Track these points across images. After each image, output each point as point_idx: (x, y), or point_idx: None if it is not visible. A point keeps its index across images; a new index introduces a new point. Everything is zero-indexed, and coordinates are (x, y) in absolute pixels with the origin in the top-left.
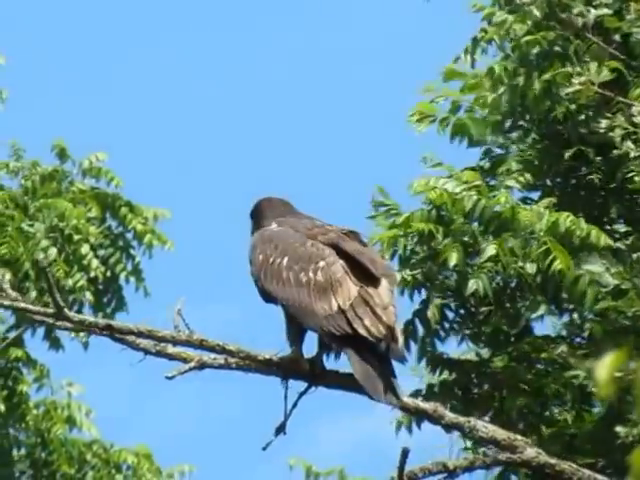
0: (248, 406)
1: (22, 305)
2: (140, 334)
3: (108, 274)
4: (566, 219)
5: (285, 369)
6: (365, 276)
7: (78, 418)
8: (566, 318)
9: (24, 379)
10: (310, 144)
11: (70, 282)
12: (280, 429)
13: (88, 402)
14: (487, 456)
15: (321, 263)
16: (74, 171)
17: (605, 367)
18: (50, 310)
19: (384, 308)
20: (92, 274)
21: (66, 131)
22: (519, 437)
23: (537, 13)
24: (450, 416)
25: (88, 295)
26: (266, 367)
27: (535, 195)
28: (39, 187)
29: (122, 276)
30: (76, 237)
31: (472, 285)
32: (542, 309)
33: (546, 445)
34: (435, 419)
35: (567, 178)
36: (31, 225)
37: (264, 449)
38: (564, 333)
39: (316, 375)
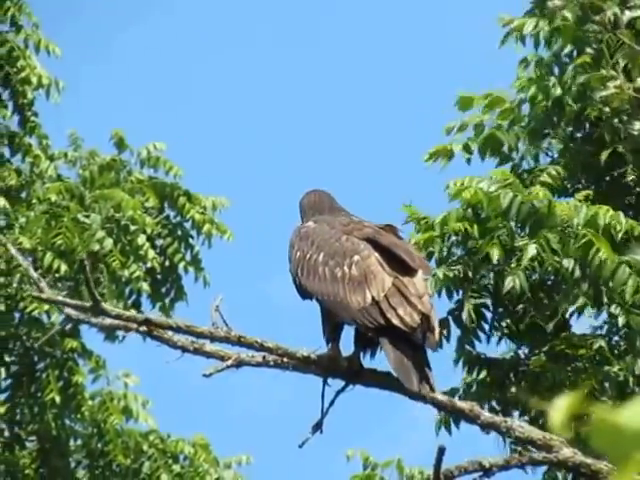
0: (309, 395)
1: (59, 299)
2: (178, 329)
3: (167, 264)
4: (606, 213)
5: (323, 367)
6: (401, 267)
7: (134, 409)
8: (604, 314)
9: (79, 370)
10: (360, 146)
11: (126, 273)
12: (317, 427)
13: (144, 393)
14: (523, 455)
15: (355, 257)
16: (132, 161)
17: (560, 409)
18: (87, 304)
19: (419, 297)
20: (148, 265)
21: (124, 121)
22: (555, 437)
23: (569, 16)
24: (486, 415)
25: (145, 286)
26: (304, 365)
27: (568, 199)
28: (97, 177)
29: (181, 266)
30: (132, 228)
31: (509, 283)
32: (580, 301)
33: (587, 444)
34: (471, 418)
35: (601, 178)
36: (87, 216)
37: (300, 447)
38: (601, 330)
39: (354, 373)
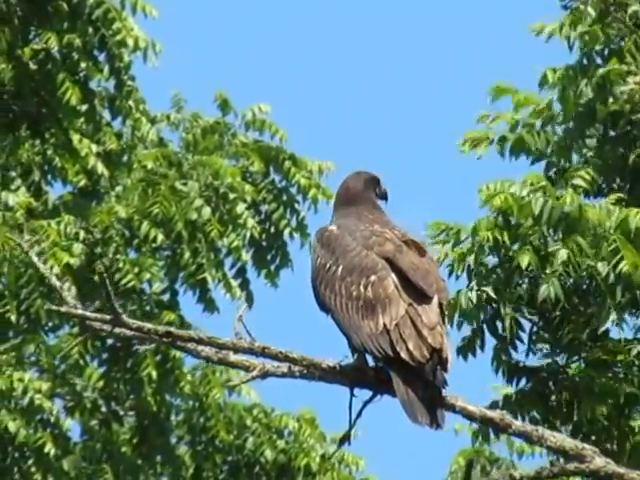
0: None
1: (79, 312)
2: (200, 341)
3: (272, 230)
4: (636, 215)
5: (350, 377)
6: (417, 293)
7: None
8: None
9: None
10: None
11: (225, 242)
12: (344, 439)
13: None
14: (554, 466)
15: (372, 277)
16: (237, 123)
17: None
18: (107, 317)
19: (431, 329)
20: (247, 233)
21: (229, 82)
22: (587, 446)
23: (592, 12)
24: (517, 424)
25: (244, 255)
26: (331, 375)
27: (601, 199)
28: (200, 140)
29: (286, 232)
30: (231, 196)
31: (544, 291)
32: (612, 317)
33: (629, 453)
34: (502, 428)
35: (633, 177)
36: (184, 184)
37: (329, 459)
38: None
39: (382, 382)
